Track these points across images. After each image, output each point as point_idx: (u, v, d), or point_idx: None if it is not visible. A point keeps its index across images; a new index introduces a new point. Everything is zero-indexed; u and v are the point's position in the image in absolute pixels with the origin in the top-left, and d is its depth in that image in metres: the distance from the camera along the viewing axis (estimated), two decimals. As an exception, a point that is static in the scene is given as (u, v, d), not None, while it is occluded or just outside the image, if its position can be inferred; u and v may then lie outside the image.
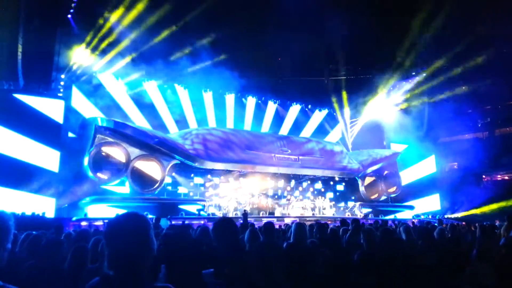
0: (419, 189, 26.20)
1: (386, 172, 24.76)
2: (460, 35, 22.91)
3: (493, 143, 27.02)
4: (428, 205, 26.37)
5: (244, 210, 17.20)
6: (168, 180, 19.12)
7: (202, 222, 14.46)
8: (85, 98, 19.50)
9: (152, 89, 22.77)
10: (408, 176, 26.71)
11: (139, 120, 21.25)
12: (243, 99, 26.83)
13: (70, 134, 18.38)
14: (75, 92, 19.21)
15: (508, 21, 21.24)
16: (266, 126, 26.99)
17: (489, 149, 26.10)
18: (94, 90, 19.95)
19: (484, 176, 29.63)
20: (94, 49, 19.61)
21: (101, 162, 16.77)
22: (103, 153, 16.91)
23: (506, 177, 29.86)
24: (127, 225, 1.75)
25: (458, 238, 6.26)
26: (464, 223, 14.47)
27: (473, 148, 27.00)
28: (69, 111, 18.14)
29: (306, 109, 29.32)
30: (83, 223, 13.83)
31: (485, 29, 21.74)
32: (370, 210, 22.91)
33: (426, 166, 27.52)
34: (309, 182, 23.96)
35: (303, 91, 27.52)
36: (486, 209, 22.39)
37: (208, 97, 25.12)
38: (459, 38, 23.13)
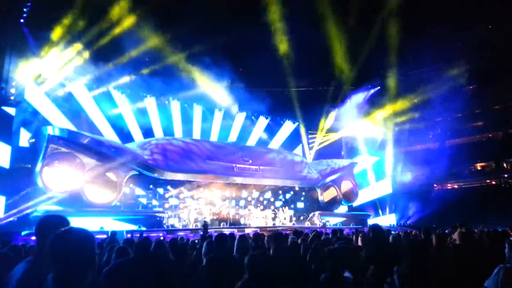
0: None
1: (344, 181, 25.39)
2: (412, 47, 24.03)
3: (443, 154, 28.35)
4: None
5: (204, 221, 16.88)
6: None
7: (161, 234, 14.16)
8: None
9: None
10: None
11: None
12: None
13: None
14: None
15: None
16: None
17: (440, 159, 27.36)
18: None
19: (435, 185, 31.06)
20: (49, 60, 18.59)
21: (54, 174, 15.80)
22: (56, 165, 15.99)
23: (456, 186, 31.45)
24: (72, 241, 1.78)
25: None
26: (416, 231, 15.04)
27: (425, 158, 28.27)
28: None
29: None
30: (34, 238, 13.09)
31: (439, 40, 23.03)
32: (328, 219, 23.30)
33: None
34: (270, 192, 24.08)
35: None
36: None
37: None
38: (412, 50, 24.26)
